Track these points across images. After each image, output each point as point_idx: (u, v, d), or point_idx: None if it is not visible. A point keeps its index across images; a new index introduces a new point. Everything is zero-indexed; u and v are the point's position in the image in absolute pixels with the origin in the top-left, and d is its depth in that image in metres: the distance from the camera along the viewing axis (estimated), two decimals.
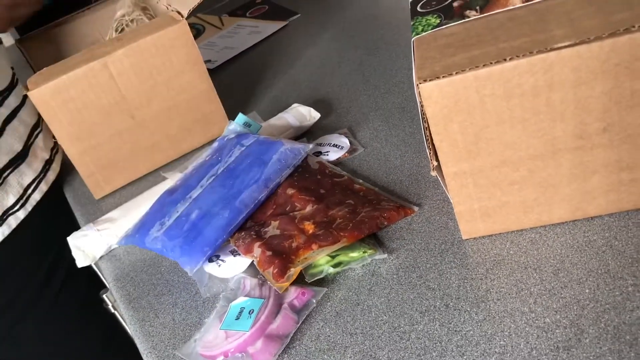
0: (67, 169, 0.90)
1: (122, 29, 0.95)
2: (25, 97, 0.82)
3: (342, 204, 0.61)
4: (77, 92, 0.72)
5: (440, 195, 0.60)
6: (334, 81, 0.88)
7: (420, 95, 0.45)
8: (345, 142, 0.73)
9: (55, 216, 0.82)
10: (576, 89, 0.43)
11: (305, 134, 0.78)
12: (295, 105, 0.80)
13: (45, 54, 0.90)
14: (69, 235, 0.70)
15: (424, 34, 0.49)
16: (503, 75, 0.43)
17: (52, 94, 0.71)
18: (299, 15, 1.13)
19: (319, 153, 0.72)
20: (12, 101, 0.79)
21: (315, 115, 0.78)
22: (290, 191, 0.64)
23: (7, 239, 0.76)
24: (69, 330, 0.81)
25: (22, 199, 0.79)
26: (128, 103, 0.75)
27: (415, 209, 0.59)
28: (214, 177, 0.65)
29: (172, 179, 0.73)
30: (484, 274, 0.51)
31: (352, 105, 0.81)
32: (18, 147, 0.78)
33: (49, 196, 0.83)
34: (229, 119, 0.78)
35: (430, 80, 0.44)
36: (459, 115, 0.45)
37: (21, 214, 0.78)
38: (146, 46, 0.74)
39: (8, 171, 0.77)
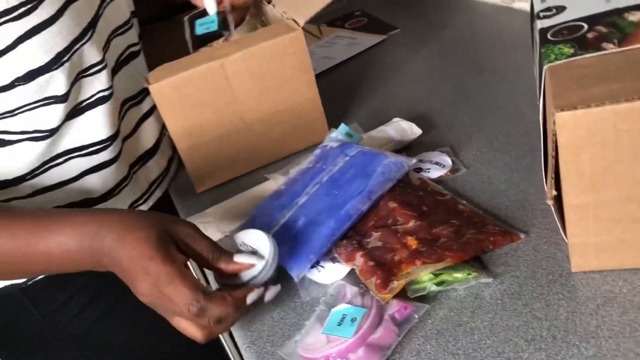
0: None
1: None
2: None
3: (446, 223, 0.61)
4: (193, 89, 0.75)
5: (548, 225, 0.59)
6: (435, 98, 0.89)
7: (553, 124, 0.45)
8: (447, 160, 0.73)
9: (161, 209, 0.86)
10: None
11: (405, 148, 0.79)
12: (396, 119, 0.81)
13: (159, 49, 0.94)
14: None
15: (557, 62, 0.49)
16: None
17: (170, 89, 0.74)
18: (399, 30, 1.14)
19: (419, 169, 0.72)
20: (150, 99, 0.82)
21: (417, 130, 0.79)
22: (392, 204, 0.64)
23: None
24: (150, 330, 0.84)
25: (146, 194, 0.82)
26: (239, 105, 0.78)
27: (522, 235, 0.59)
28: (319, 185, 0.67)
29: (274, 181, 0.76)
30: (595, 310, 0.50)
31: (453, 124, 0.81)
32: (149, 143, 0.83)
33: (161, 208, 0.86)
34: (329, 128, 0.80)
35: (566, 110, 0.44)
36: (592, 147, 0.45)
37: (144, 208, 0.82)
38: (262, 51, 0.76)
39: (137, 167, 0.81)
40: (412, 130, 0.79)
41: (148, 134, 0.83)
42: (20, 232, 0.57)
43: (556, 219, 0.54)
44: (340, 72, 1.07)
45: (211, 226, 0.72)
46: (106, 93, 0.72)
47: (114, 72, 0.76)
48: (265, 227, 0.64)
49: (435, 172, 0.71)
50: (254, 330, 0.59)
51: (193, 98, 0.76)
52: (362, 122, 0.88)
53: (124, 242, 0.53)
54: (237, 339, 0.60)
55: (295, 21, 0.79)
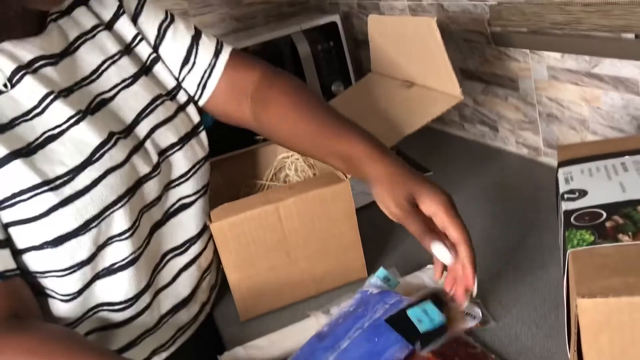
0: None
1: (281, 168, 1.09)
2: (207, 241, 0.90)
3: None
4: (249, 228, 0.84)
5: None
6: None
7: (575, 307, 0.52)
8: (478, 312, 0.79)
9: (205, 339, 0.90)
10: None
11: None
12: (429, 266, 0.88)
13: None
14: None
15: (579, 248, 0.57)
16: None
17: (229, 228, 0.83)
18: (432, 173, 1.24)
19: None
20: (195, 249, 0.87)
21: None
22: (426, 354, 0.70)
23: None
24: None
25: (170, 341, 0.85)
26: (287, 243, 0.87)
27: None
28: (360, 331, 0.73)
29: (315, 318, 0.82)
30: None
31: (481, 274, 0.87)
32: (185, 292, 0.86)
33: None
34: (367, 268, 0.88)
35: (588, 297, 0.51)
36: (610, 330, 0.51)
37: (164, 354, 0.84)
38: (313, 198, 0.86)
39: (167, 317, 0.84)
40: (445, 279, 0.86)
41: (185, 283, 0.86)
42: None
43: None
44: (376, 210, 1.15)
45: (255, 356, 0.78)
46: (132, 257, 0.75)
47: (158, 225, 0.81)
48: None
49: (466, 323, 0.77)
50: None
51: (248, 236, 0.84)
52: (397, 264, 0.95)
53: None
54: None
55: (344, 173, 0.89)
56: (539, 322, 0.75)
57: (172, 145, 0.82)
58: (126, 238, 0.74)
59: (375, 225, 1.09)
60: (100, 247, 0.73)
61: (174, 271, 0.85)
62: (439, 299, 0.74)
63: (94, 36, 0.81)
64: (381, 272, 0.84)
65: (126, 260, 0.76)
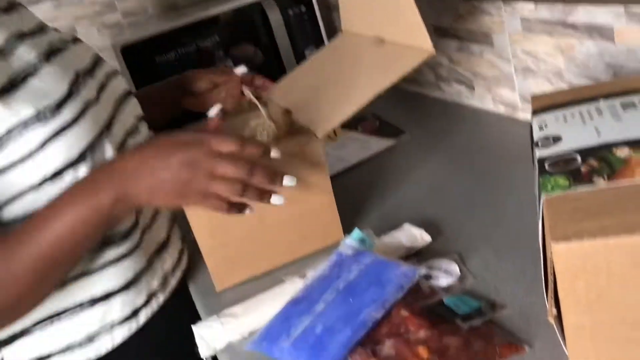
0: (190, 265, 0.98)
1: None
2: None
3: (455, 334, 0.65)
4: None
5: (551, 338, 0.63)
6: (442, 204, 0.94)
7: (550, 252, 0.50)
8: (455, 269, 0.77)
9: (179, 306, 0.90)
10: None
11: (414, 254, 0.84)
12: (406, 225, 0.86)
13: None
14: (189, 325, 0.77)
15: (553, 193, 0.55)
16: (631, 246, 0.47)
17: None
18: (407, 134, 1.21)
19: (429, 277, 0.77)
20: None
21: (427, 238, 0.84)
22: (404, 313, 0.68)
23: (147, 324, 0.83)
24: None
25: (164, 283, 0.87)
26: (259, 208, 0.84)
27: (527, 348, 0.63)
28: (335, 293, 0.71)
29: (290, 283, 0.80)
30: None
31: (460, 231, 0.86)
32: (163, 235, 0.89)
33: (179, 288, 0.91)
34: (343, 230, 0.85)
35: (562, 241, 0.49)
36: (586, 274, 0.49)
37: (161, 298, 0.86)
38: (284, 160, 0.83)
39: (156, 257, 0.86)
40: (422, 238, 0.84)
41: (161, 226, 0.89)
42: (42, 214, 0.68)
43: (558, 334, 0.58)
44: (352, 175, 1.13)
45: (231, 326, 0.76)
46: None
47: None
48: (284, 334, 0.68)
49: (443, 280, 0.76)
50: None
51: None
52: (373, 226, 0.93)
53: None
54: None
55: (314, 133, 0.86)
56: (518, 277, 0.74)
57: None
58: None
59: (350, 190, 1.08)
60: None
61: (150, 212, 0.87)
62: (475, 293, 0.73)
63: None
64: (356, 233, 0.82)
65: None
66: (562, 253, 0.49)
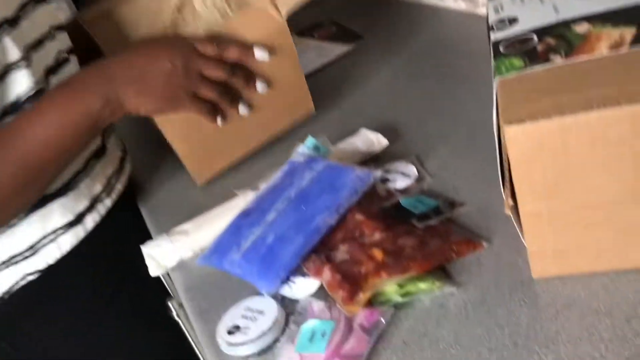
0: (137, 180, 0.94)
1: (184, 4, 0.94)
2: None
3: (411, 234, 0.62)
4: None
5: (510, 232, 0.60)
6: (401, 107, 0.90)
7: (503, 137, 0.46)
8: (412, 170, 0.74)
9: (128, 224, 0.86)
10: None
11: (372, 159, 0.80)
12: (363, 130, 0.82)
13: (107, 29, 0.92)
14: (141, 243, 0.74)
15: (507, 75, 0.50)
16: (588, 123, 0.44)
17: None
18: (365, 38, 1.15)
19: (386, 180, 0.73)
20: None
21: (383, 141, 0.80)
22: (359, 217, 0.65)
23: (94, 232, 0.80)
24: (137, 335, 0.85)
25: (108, 188, 0.83)
26: None
27: (485, 244, 0.60)
28: (287, 202, 0.67)
29: (243, 196, 0.76)
30: (554, 315, 0.51)
31: (419, 133, 0.82)
32: (97, 142, 0.83)
33: (126, 201, 0.87)
34: (298, 141, 0.81)
35: (515, 123, 0.45)
36: (542, 158, 0.46)
37: (108, 202, 0.82)
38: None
39: (93, 160, 0.81)
40: (379, 141, 0.80)
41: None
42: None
43: (516, 226, 0.55)
44: (307, 83, 1.08)
45: (182, 244, 0.73)
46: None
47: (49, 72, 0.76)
48: (235, 246, 0.65)
49: (400, 183, 0.72)
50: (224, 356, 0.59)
51: None
52: (330, 134, 0.89)
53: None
54: (207, 358, 0.60)
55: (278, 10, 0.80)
56: (478, 173, 0.70)
57: None
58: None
59: None
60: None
61: None
62: (433, 193, 0.70)
63: None
64: (310, 141, 0.78)
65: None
66: (515, 136, 0.45)
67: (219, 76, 0.73)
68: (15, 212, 0.70)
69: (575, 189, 0.47)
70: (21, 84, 0.70)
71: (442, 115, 0.84)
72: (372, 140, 0.80)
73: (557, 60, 0.49)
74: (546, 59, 0.50)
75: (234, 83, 0.75)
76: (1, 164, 0.64)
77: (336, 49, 1.14)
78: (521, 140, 0.45)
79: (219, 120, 0.76)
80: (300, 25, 1.29)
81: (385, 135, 0.81)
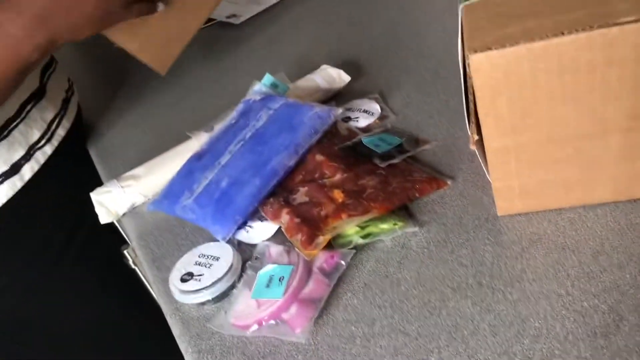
0: (87, 122, 0.89)
1: None
2: None
3: (372, 174, 0.59)
4: None
5: (475, 169, 0.58)
6: (364, 42, 0.86)
7: (468, 67, 0.43)
8: (376, 108, 0.71)
9: (76, 170, 0.81)
10: (636, 67, 0.41)
11: (333, 97, 0.76)
12: (324, 66, 0.78)
13: None
14: (91, 190, 0.70)
15: (473, 0, 0.47)
16: (559, 49, 0.41)
17: None
18: None
19: (348, 118, 0.70)
20: None
21: (345, 78, 0.76)
22: (319, 158, 0.62)
23: (35, 178, 0.75)
24: (92, 285, 0.82)
25: (47, 134, 0.77)
26: None
27: (449, 182, 0.58)
28: (242, 143, 0.64)
29: (196, 139, 0.72)
30: (520, 253, 0.50)
31: (383, 69, 0.79)
32: (34, 84, 0.77)
33: (71, 146, 0.82)
34: (256, 80, 0.76)
35: (480, 51, 0.41)
36: (508, 89, 0.43)
37: (48, 149, 0.77)
38: None
39: (29, 105, 0.75)
40: (341, 78, 0.76)
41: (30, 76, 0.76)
42: None
43: (481, 162, 0.53)
44: (265, 19, 1.02)
45: (133, 189, 0.69)
46: None
47: None
48: (187, 190, 0.61)
49: (363, 121, 0.69)
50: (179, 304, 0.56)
51: None
52: (288, 72, 0.84)
53: None
54: (162, 306, 0.58)
55: None
56: (442, 109, 0.68)
57: None
58: None
59: (264, 35, 0.98)
60: None
61: None
62: (396, 130, 0.67)
63: None
64: (268, 78, 0.73)
65: None
66: (480, 65, 0.42)
67: None
68: None
69: (543, 123, 0.44)
70: None
71: (406, 49, 0.80)
72: (333, 76, 0.76)
73: None
74: None
75: None
76: None
77: None
78: (487, 69, 0.42)
79: (160, 6, 0.72)
80: None
81: (348, 71, 0.77)
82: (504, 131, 0.46)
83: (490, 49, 0.41)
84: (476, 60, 0.42)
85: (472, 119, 0.48)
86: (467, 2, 0.47)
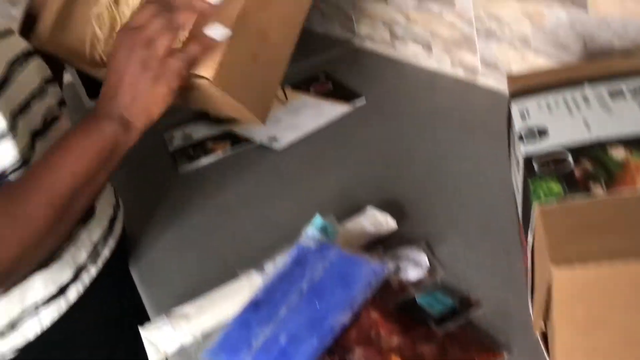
0: (132, 243, 0.90)
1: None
2: None
3: (430, 340, 0.60)
4: None
5: (531, 344, 0.60)
6: (405, 183, 0.89)
7: (549, 274, 0.45)
8: (424, 259, 0.73)
9: (117, 292, 0.82)
10: None
11: (379, 242, 0.78)
12: (369, 209, 0.81)
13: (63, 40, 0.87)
14: (131, 314, 0.71)
15: (547, 202, 0.50)
16: (637, 270, 0.43)
17: None
18: (363, 97, 1.14)
19: (396, 269, 0.72)
20: None
21: (392, 224, 0.78)
22: (374, 315, 0.64)
23: (81, 300, 0.76)
24: None
25: (93, 253, 0.79)
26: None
27: (505, 355, 0.59)
28: (299, 295, 0.65)
29: (247, 278, 0.73)
30: None
31: (426, 214, 0.81)
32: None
33: (114, 267, 0.83)
34: (306, 220, 0.78)
35: (564, 265, 0.44)
36: (588, 300, 0.45)
37: (93, 271, 0.78)
38: None
39: (77, 227, 0.77)
40: (388, 223, 0.79)
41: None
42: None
43: (543, 347, 0.54)
44: (307, 145, 1.06)
45: (183, 329, 0.69)
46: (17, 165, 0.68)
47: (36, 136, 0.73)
48: (245, 345, 0.62)
49: (412, 273, 0.71)
50: None
51: None
52: (334, 208, 0.87)
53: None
54: None
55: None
56: (491, 268, 0.70)
57: None
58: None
59: (306, 162, 1.01)
60: None
61: None
62: (448, 289, 0.68)
63: None
64: (318, 221, 0.76)
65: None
66: (563, 279, 0.44)
67: (165, 31, 0.70)
68: (49, 246, 0.69)
69: (617, 329, 0.47)
70: (6, 156, 0.66)
71: (447, 196, 0.83)
72: (380, 222, 0.79)
73: (598, 191, 0.49)
74: (586, 188, 0.50)
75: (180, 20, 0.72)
76: (34, 194, 0.64)
77: (334, 109, 1.13)
78: (568, 283, 0.45)
79: (223, 32, 0.74)
80: (294, 77, 1.28)
81: (390, 212, 0.79)
82: (577, 332, 0.48)
83: (572, 264, 0.44)
84: (559, 275, 0.44)
85: (538, 307, 0.50)
86: (541, 203, 0.50)
